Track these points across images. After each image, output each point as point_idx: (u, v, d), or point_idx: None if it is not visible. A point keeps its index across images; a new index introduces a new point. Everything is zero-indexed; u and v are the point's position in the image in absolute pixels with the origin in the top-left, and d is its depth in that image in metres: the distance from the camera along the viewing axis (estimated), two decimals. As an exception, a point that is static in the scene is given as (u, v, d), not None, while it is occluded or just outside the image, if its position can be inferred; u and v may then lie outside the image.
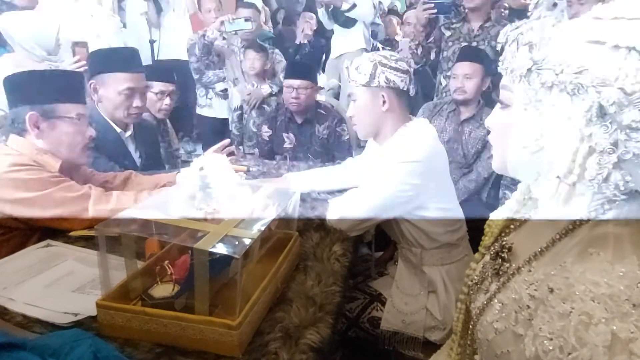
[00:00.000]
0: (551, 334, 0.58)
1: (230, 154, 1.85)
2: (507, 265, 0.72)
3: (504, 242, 0.75)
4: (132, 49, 1.97)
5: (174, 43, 4.02)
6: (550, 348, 0.57)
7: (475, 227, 1.38)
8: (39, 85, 1.41)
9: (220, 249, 0.83)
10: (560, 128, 0.61)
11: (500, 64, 0.69)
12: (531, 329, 0.62)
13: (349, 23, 3.67)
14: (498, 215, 0.84)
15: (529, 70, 0.62)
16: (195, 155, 4.12)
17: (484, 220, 0.88)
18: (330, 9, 3.61)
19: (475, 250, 0.91)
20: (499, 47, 0.69)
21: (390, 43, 4.26)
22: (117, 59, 1.80)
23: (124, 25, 3.67)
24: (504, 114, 0.70)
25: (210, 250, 0.82)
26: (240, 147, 3.40)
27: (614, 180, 0.57)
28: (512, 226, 0.80)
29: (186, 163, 2.88)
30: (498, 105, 0.72)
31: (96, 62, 1.82)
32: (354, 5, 3.53)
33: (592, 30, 0.60)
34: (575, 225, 0.64)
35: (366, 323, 1.56)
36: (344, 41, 3.79)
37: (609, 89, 0.56)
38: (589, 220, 0.63)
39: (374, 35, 4.43)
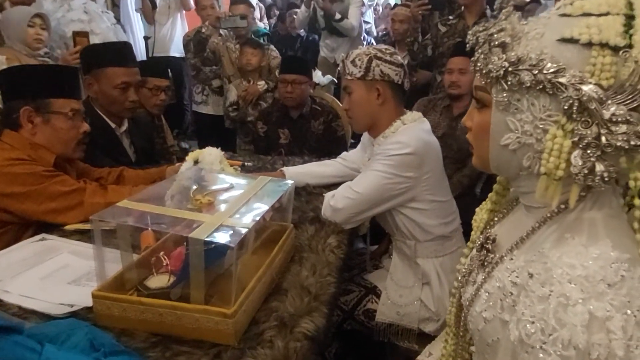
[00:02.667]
0: (532, 317, 0.60)
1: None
2: (492, 255, 0.74)
3: (488, 234, 0.78)
4: (125, 43, 1.97)
5: (169, 40, 4.02)
6: (532, 331, 0.59)
7: (469, 221, 1.40)
8: (33, 80, 1.41)
9: (216, 238, 0.83)
10: (541, 125, 0.62)
11: (471, 65, 0.70)
12: (515, 314, 0.63)
13: (337, 32, 3.76)
14: (482, 207, 0.86)
15: (506, 71, 0.63)
16: (190, 152, 4.12)
17: None
18: (322, 14, 3.68)
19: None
20: (468, 47, 0.70)
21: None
22: (111, 54, 1.79)
23: (118, 22, 3.66)
24: (482, 114, 0.71)
25: (205, 239, 0.82)
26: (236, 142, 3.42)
27: (598, 171, 0.58)
28: (495, 218, 0.82)
29: (181, 160, 2.89)
30: (474, 104, 0.73)
31: (90, 58, 1.82)
32: (344, 17, 3.63)
33: (563, 28, 0.61)
34: (552, 213, 0.66)
35: (361, 315, 1.57)
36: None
37: (587, 86, 0.58)
38: (566, 207, 0.64)
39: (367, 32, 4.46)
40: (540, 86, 0.61)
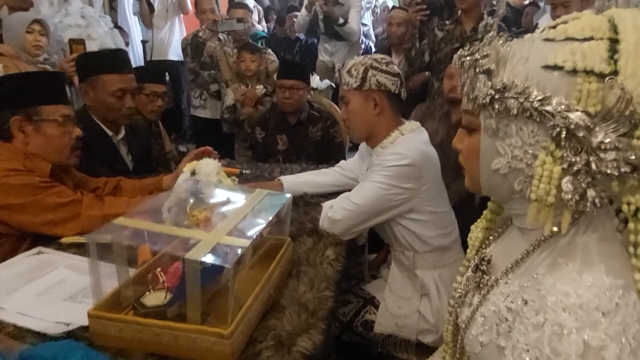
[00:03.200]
0: (527, 345, 0.60)
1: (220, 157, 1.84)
2: (487, 278, 0.74)
3: (483, 255, 0.77)
4: (120, 50, 1.96)
5: (167, 43, 4.01)
6: (527, 359, 0.58)
7: (468, 231, 1.39)
8: (21, 88, 1.40)
9: (212, 258, 0.83)
10: (530, 151, 0.62)
11: (459, 88, 0.70)
12: (510, 340, 0.63)
13: (337, 36, 3.75)
14: (477, 225, 0.86)
15: (492, 98, 0.63)
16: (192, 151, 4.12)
17: None
18: (322, 18, 3.67)
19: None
20: (457, 64, 0.70)
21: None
22: (106, 61, 1.79)
23: (115, 26, 3.65)
24: (471, 138, 0.70)
25: (201, 260, 0.82)
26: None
27: (590, 197, 0.58)
28: (491, 237, 0.82)
29: (179, 164, 2.88)
30: (462, 129, 0.73)
31: (85, 65, 1.81)
32: (346, 22, 3.61)
33: (547, 54, 0.61)
34: (546, 236, 0.66)
35: (359, 327, 1.56)
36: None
37: (575, 114, 0.57)
38: (559, 230, 0.64)
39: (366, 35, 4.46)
40: (527, 114, 0.61)
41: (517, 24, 4.42)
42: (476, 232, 0.86)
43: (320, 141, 2.60)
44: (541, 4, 4.44)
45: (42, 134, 1.39)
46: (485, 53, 0.67)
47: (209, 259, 0.82)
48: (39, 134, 1.39)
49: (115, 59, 1.81)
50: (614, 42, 0.58)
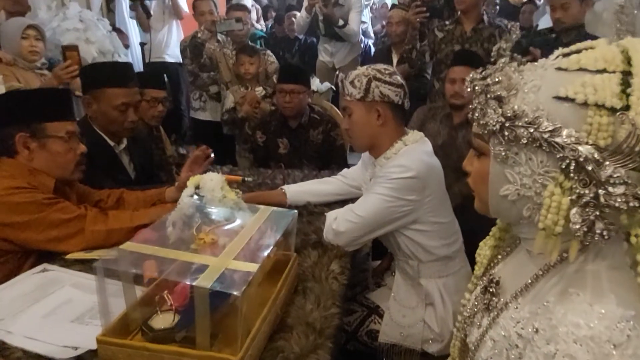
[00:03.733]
0: None
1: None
2: (496, 300, 0.75)
3: (492, 276, 0.78)
4: (126, 64, 1.95)
5: (165, 45, 3.99)
6: None
7: (471, 242, 1.40)
8: (26, 105, 1.40)
9: (221, 285, 0.83)
10: (539, 180, 0.62)
11: (469, 114, 0.70)
12: None
13: (337, 37, 3.75)
14: (486, 242, 0.86)
15: (502, 126, 0.63)
16: (189, 158, 4.11)
17: (479, 232, 0.89)
18: (322, 19, 3.66)
19: (471, 261, 0.92)
20: (469, 88, 0.70)
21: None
22: (111, 74, 1.78)
23: (114, 28, 3.63)
24: (480, 162, 0.71)
25: (211, 288, 0.82)
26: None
27: (598, 229, 0.58)
28: (499, 256, 0.82)
29: (180, 167, 2.87)
30: (473, 150, 0.73)
31: (90, 77, 1.80)
32: (346, 23, 3.60)
33: (558, 85, 0.60)
34: (556, 262, 0.66)
35: (364, 336, 1.57)
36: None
37: (584, 147, 0.57)
38: (568, 257, 0.64)
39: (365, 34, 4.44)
40: (537, 144, 0.61)
41: (515, 20, 4.40)
42: (485, 249, 0.86)
43: (322, 144, 2.60)
44: (539, 3, 4.42)
45: (46, 150, 1.39)
46: (497, 79, 0.67)
47: (218, 286, 0.82)
48: (43, 150, 1.38)
49: (121, 73, 1.80)
50: (626, 74, 0.58)
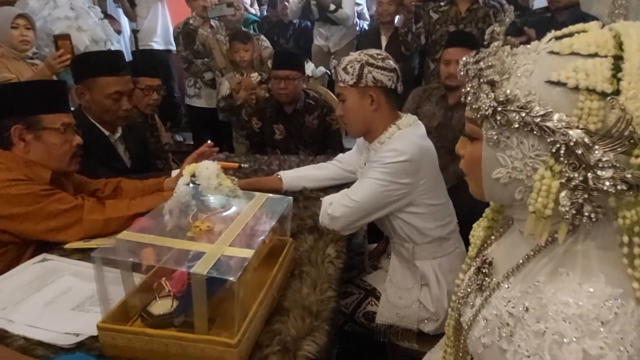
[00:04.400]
0: (528, 351, 0.62)
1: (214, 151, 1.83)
2: (489, 280, 0.76)
3: (485, 257, 0.79)
4: (117, 52, 1.94)
5: (152, 32, 3.95)
6: None
7: (466, 223, 1.42)
8: (22, 97, 1.40)
9: (217, 271, 0.84)
10: (530, 163, 0.63)
11: (462, 97, 0.70)
12: (512, 345, 0.66)
13: (331, 20, 3.73)
14: (479, 224, 0.87)
15: (494, 110, 0.64)
16: (185, 145, 4.11)
17: (474, 213, 0.91)
18: (314, 3, 3.63)
19: (466, 242, 0.94)
20: (462, 72, 0.70)
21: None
22: (103, 63, 1.77)
23: (106, 15, 3.59)
24: (473, 146, 0.72)
25: (207, 274, 0.83)
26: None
27: (586, 212, 0.59)
28: (492, 237, 0.84)
29: (176, 154, 2.88)
30: (465, 136, 0.74)
31: (82, 67, 1.79)
32: (338, 7, 3.58)
33: (550, 68, 0.61)
34: (547, 242, 0.68)
35: (362, 318, 1.60)
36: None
37: (575, 131, 0.58)
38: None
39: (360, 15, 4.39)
40: (528, 128, 0.62)
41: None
42: (478, 230, 0.88)
43: (317, 129, 2.60)
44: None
45: (42, 142, 1.39)
46: (490, 63, 0.68)
47: (214, 272, 0.84)
48: (39, 142, 1.39)
49: (112, 61, 1.79)
50: (618, 59, 0.59)
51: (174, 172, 1.74)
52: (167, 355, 0.90)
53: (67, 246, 1.35)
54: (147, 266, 1.12)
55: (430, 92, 2.59)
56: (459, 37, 2.45)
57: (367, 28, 4.35)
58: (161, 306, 0.99)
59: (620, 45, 0.60)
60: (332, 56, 3.78)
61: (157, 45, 3.98)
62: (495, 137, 0.66)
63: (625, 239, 0.62)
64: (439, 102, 2.53)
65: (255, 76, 3.15)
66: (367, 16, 4.99)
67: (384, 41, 3.35)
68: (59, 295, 1.12)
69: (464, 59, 0.72)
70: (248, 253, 0.91)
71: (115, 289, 0.98)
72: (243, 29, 3.47)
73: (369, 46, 2.05)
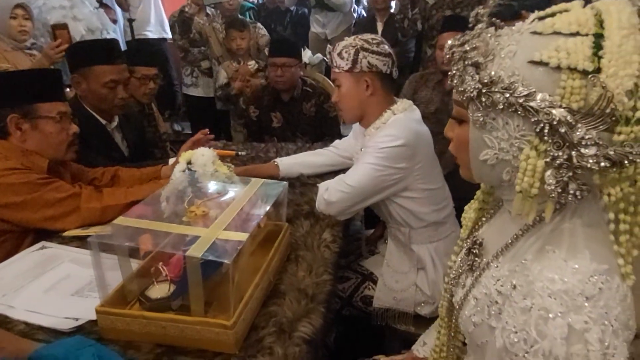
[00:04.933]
0: (515, 327, 0.63)
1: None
2: (479, 260, 0.78)
3: (475, 238, 0.80)
4: (112, 40, 1.93)
5: (146, 22, 3.92)
6: (516, 340, 0.63)
7: (463, 207, 1.42)
8: (18, 86, 1.40)
9: (212, 254, 0.86)
10: (516, 144, 0.64)
11: (449, 80, 0.71)
12: (500, 322, 0.67)
13: (328, 7, 3.69)
14: (471, 206, 0.89)
15: (479, 92, 0.64)
16: (184, 134, 4.11)
17: (471, 197, 0.92)
18: None
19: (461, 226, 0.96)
20: (448, 55, 0.71)
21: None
22: (98, 52, 1.77)
23: (101, 4, 3.57)
24: (461, 128, 0.73)
25: (202, 257, 0.84)
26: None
27: (571, 189, 0.60)
28: (483, 218, 0.85)
29: (175, 144, 2.88)
30: (453, 119, 0.74)
31: (77, 56, 1.79)
32: None
33: (533, 48, 0.62)
34: (535, 221, 0.69)
35: (359, 302, 1.62)
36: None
37: (558, 110, 0.59)
38: None
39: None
40: (513, 108, 0.62)
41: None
42: (470, 212, 0.89)
43: (315, 117, 2.60)
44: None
45: (39, 131, 1.40)
46: (474, 45, 0.68)
47: (209, 255, 0.85)
48: (36, 131, 1.39)
49: (107, 50, 1.79)
50: (599, 37, 0.59)
51: (171, 161, 1.75)
52: (164, 337, 0.91)
53: (65, 234, 1.37)
54: (144, 253, 1.14)
55: (427, 77, 2.59)
56: (454, 22, 2.43)
57: (364, 14, 4.33)
58: (159, 290, 1.00)
59: (601, 24, 0.60)
60: (329, 43, 3.76)
61: (151, 34, 3.95)
62: (481, 119, 0.66)
63: (611, 215, 0.62)
64: (436, 88, 2.53)
65: (252, 64, 3.14)
66: (365, 2, 4.97)
67: (379, 27, 3.33)
68: (58, 282, 1.14)
69: (449, 42, 0.72)
70: (243, 236, 0.92)
71: (114, 275, 0.99)
72: (239, 16, 3.45)
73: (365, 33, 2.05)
